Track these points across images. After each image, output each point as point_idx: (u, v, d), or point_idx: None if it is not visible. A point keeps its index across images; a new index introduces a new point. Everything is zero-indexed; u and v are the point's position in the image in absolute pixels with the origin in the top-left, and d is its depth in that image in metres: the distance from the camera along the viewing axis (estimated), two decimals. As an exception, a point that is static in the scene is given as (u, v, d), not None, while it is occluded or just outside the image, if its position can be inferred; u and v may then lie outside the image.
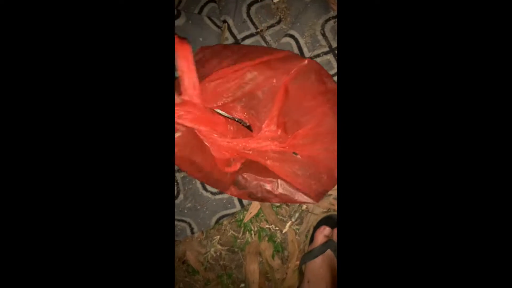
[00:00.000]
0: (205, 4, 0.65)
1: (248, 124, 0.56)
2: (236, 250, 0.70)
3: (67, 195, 0.28)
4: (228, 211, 0.68)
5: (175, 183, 0.68)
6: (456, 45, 0.27)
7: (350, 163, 0.28)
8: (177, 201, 0.68)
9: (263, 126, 0.52)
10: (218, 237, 0.71)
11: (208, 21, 0.64)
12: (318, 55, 0.63)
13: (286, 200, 0.57)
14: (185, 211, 0.68)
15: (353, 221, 0.28)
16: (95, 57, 0.29)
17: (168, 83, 0.31)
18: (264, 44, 0.66)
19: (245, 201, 0.67)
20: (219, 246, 0.71)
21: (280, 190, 0.56)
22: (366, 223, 0.27)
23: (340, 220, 0.29)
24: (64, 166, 0.28)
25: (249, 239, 0.70)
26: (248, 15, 0.65)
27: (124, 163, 0.29)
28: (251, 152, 0.53)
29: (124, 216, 0.29)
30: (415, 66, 0.28)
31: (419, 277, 0.26)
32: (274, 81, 0.51)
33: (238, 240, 0.70)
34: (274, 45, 0.65)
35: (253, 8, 0.65)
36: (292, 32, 0.63)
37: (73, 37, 0.28)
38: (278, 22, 0.65)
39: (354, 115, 0.29)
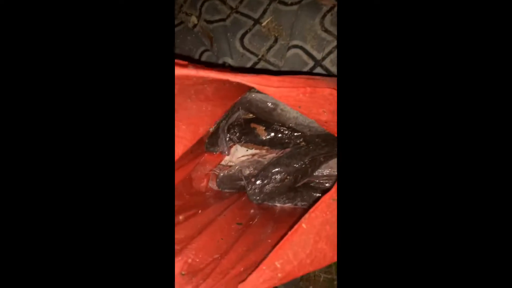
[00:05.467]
0: (202, 53, 0.64)
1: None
2: (337, 294, 0.59)
3: (67, 196, 0.27)
4: (310, 253, 0.58)
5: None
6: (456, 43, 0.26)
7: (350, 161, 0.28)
8: (251, 265, 0.59)
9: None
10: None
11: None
12: (330, 52, 0.59)
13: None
14: (264, 272, 0.59)
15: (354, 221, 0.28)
16: (95, 57, 0.28)
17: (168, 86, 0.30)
18: (270, 67, 0.62)
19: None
20: (317, 298, 0.60)
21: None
22: (366, 223, 0.27)
23: (340, 220, 0.28)
24: (68, 174, 0.27)
25: (347, 276, 0.59)
26: (244, 47, 0.63)
27: (124, 164, 0.28)
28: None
29: (124, 216, 0.27)
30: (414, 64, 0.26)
31: (419, 277, 0.26)
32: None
33: (335, 282, 0.59)
34: (280, 63, 0.62)
35: (246, 39, 0.63)
36: (295, 42, 0.60)
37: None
38: (276, 41, 0.62)
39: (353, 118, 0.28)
